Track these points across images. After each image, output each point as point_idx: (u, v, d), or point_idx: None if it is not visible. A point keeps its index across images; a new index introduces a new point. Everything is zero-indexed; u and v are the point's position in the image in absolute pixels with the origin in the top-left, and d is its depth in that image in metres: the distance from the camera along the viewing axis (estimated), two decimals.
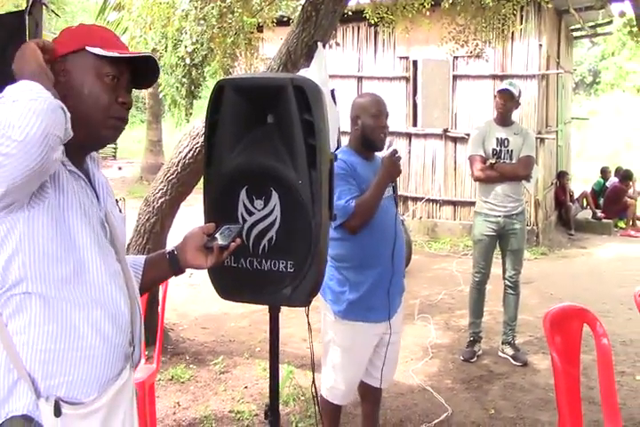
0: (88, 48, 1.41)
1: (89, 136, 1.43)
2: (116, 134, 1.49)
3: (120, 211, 1.62)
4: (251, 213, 1.99)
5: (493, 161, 4.55)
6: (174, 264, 1.67)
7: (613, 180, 11.23)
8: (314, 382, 2.31)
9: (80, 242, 1.37)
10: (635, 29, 5.08)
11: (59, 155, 1.23)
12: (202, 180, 3.91)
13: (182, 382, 4.16)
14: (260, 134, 2.02)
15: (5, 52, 2.26)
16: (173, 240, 4.11)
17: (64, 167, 1.38)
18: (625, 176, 11.07)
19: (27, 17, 2.40)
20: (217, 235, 1.67)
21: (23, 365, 1.31)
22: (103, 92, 1.42)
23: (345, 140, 3.35)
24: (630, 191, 10.98)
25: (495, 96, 4.72)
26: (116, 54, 1.41)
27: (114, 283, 1.44)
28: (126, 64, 1.46)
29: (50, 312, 1.33)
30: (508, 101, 4.59)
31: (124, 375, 1.47)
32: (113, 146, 19.20)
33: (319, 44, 4.09)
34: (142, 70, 1.49)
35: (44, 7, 2.53)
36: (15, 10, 2.86)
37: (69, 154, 1.38)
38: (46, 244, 1.31)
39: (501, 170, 4.54)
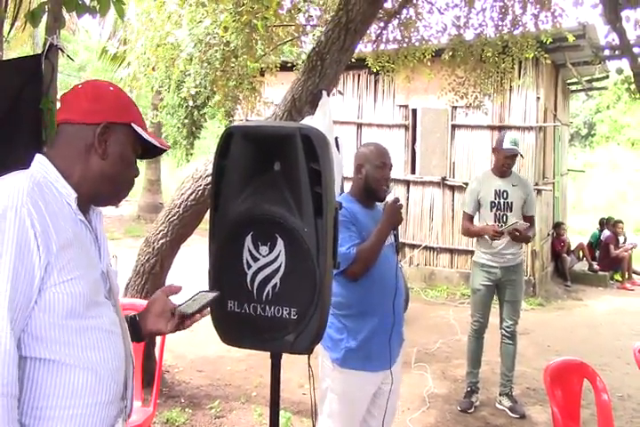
0: (134, 126, 1.53)
1: (111, 193, 1.54)
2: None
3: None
4: (256, 259, 2.00)
5: (502, 230, 4.41)
6: (135, 332, 1.63)
7: (607, 232, 11.30)
8: None
9: (82, 303, 1.38)
10: (632, 86, 5.20)
11: None
12: (203, 222, 3.93)
13: (177, 426, 4.09)
14: (267, 181, 2.04)
15: (22, 95, 2.32)
16: (171, 281, 4.11)
17: (77, 217, 1.44)
18: (614, 222, 11.23)
19: (43, 61, 2.45)
20: (189, 301, 1.69)
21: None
22: (133, 163, 1.57)
23: (347, 187, 3.38)
24: (628, 245, 10.98)
25: (495, 150, 4.66)
26: (155, 142, 1.56)
27: (111, 339, 1.45)
28: None
29: (47, 372, 1.34)
30: (514, 161, 4.59)
31: None
32: None
33: (324, 92, 4.18)
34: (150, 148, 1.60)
35: (59, 51, 2.60)
36: (32, 54, 2.92)
37: (80, 204, 1.45)
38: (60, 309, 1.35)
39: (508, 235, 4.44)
